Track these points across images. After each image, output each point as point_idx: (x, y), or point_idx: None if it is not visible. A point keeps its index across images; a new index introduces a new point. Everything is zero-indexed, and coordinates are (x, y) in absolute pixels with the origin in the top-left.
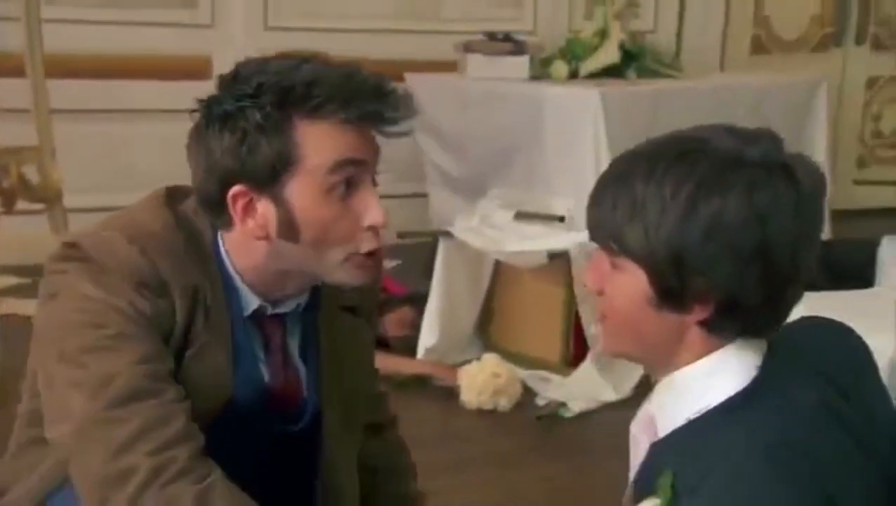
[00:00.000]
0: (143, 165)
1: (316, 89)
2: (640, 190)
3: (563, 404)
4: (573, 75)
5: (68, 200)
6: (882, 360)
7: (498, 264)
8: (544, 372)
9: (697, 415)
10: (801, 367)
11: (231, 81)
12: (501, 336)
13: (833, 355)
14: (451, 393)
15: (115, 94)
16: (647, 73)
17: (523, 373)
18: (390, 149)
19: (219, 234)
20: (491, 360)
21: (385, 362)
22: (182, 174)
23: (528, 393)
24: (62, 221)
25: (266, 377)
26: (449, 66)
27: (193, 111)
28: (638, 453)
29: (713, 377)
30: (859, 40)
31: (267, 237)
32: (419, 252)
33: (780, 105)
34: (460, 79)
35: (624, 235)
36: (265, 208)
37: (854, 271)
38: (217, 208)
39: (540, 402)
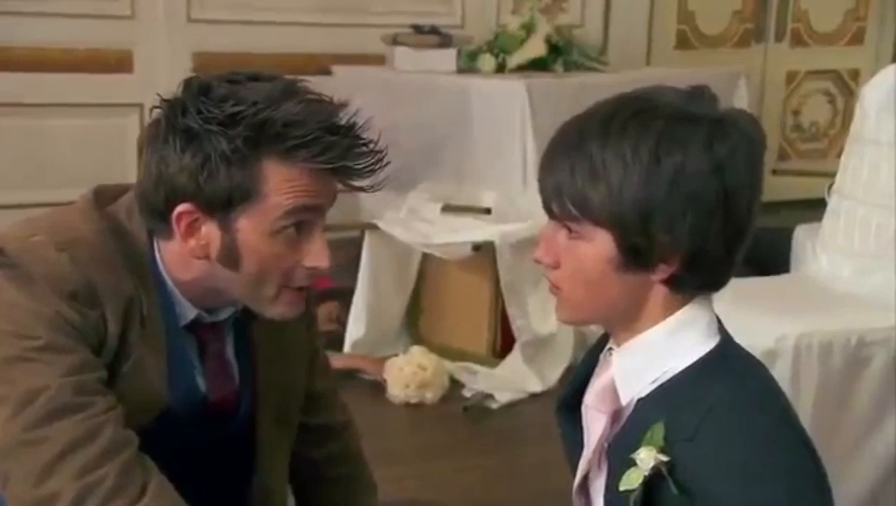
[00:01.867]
0: (60, 160)
1: (292, 131)
2: (597, 152)
3: (490, 396)
4: (500, 69)
5: None
6: (786, 343)
7: (425, 257)
8: (472, 364)
9: (670, 374)
10: None
11: (199, 95)
12: (429, 329)
13: None
14: (379, 387)
15: (30, 88)
16: (573, 66)
17: (451, 365)
18: None
19: (154, 240)
20: (417, 353)
21: None
22: (101, 170)
23: (455, 385)
24: None
25: (202, 386)
26: (377, 60)
27: (154, 108)
28: (593, 426)
29: (677, 338)
30: (778, 36)
31: (206, 258)
32: (349, 246)
33: None
34: (388, 72)
35: (587, 199)
36: (210, 231)
37: (771, 259)
38: (159, 219)
39: (467, 394)
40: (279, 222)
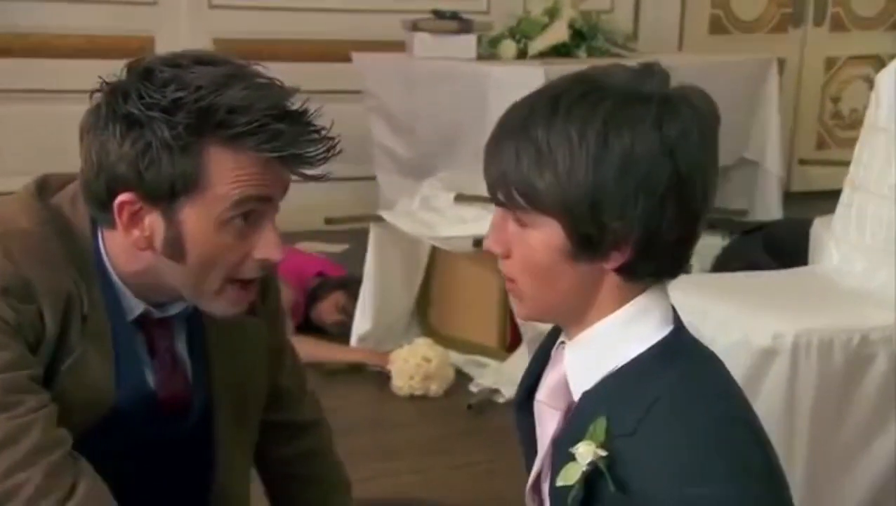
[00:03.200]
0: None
1: (238, 118)
2: (542, 136)
3: (497, 391)
4: (522, 55)
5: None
6: (784, 341)
7: (435, 249)
8: (481, 358)
9: (622, 364)
10: None
11: (141, 79)
12: (440, 321)
13: None
14: (385, 379)
15: (49, 74)
16: (597, 52)
17: (459, 358)
18: (339, 131)
19: (99, 231)
20: (422, 344)
21: (317, 350)
22: None
23: (463, 378)
24: None
25: (151, 383)
26: (398, 46)
27: (95, 91)
28: (547, 423)
29: (631, 328)
30: (818, 21)
31: (151, 249)
32: (362, 236)
33: (730, 84)
34: (407, 59)
35: (533, 185)
36: (153, 222)
37: (792, 251)
38: (101, 208)
39: (473, 388)
40: (226, 213)
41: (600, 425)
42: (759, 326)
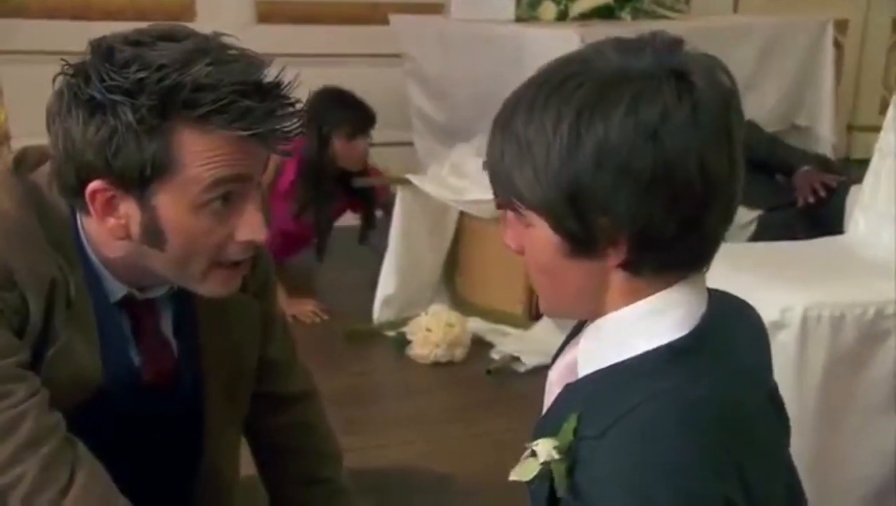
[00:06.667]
0: None
1: (204, 96)
2: (521, 130)
3: (517, 359)
4: (562, 17)
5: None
6: (792, 315)
7: (463, 215)
8: (504, 326)
9: (617, 361)
10: (735, 332)
11: (103, 60)
12: (467, 289)
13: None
14: (404, 346)
15: (89, 37)
16: (643, 14)
17: (483, 326)
18: (379, 95)
19: (78, 215)
20: (440, 311)
21: None
22: None
23: (486, 347)
24: None
25: (137, 362)
26: (435, 8)
27: (58, 75)
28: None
29: (641, 324)
30: None
31: (128, 237)
32: None
33: (784, 47)
34: (444, 21)
35: (515, 183)
36: (128, 209)
37: (831, 219)
38: (74, 196)
39: (495, 355)
40: (202, 196)
41: (570, 423)
42: (768, 299)
